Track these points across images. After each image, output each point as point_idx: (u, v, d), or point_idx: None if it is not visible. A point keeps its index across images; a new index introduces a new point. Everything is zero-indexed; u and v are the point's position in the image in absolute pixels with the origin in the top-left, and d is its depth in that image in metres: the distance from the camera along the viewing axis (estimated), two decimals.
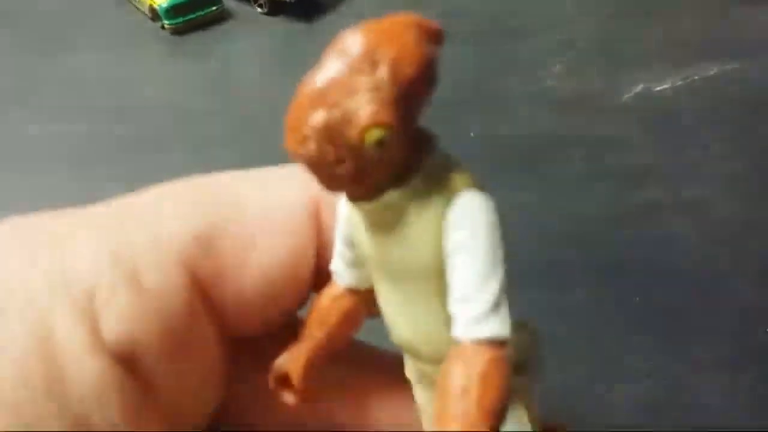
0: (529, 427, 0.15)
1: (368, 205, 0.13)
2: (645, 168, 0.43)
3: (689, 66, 0.51)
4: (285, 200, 0.18)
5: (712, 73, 0.50)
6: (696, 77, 0.50)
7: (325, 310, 0.16)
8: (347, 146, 0.11)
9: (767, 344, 0.32)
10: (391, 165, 0.12)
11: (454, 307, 0.12)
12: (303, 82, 0.12)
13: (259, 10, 0.63)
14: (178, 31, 0.61)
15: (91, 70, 0.57)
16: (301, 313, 0.18)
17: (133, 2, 0.65)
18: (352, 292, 0.16)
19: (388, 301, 0.15)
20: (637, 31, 0.57)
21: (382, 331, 0.15)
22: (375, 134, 0.11)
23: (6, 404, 0.13)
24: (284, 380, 0.17)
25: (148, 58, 0.60)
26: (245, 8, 0.64)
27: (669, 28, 0.56)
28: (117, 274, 0.15)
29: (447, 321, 0.13)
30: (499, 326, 0.12)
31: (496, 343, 0.12)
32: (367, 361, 0.20)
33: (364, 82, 0.11)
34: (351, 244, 0.15)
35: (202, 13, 0.62)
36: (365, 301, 0.16)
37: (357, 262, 0.16)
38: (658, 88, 0.49)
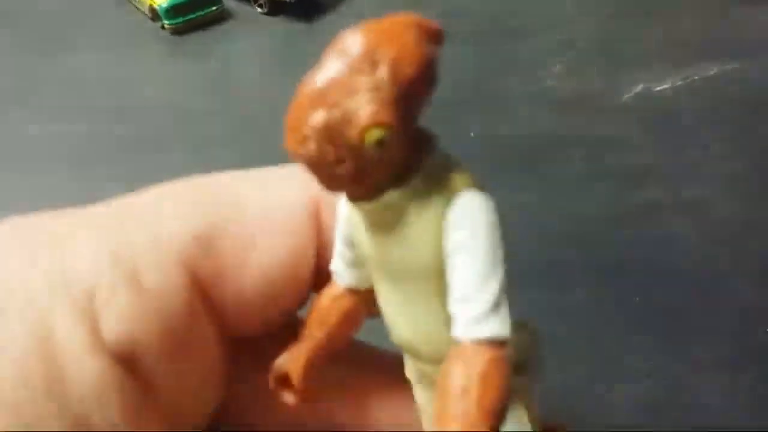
0: (529, 427, 0.15)
1: (368, 205, 0.13)
2: (645, 168, 0.43)
3: (689, 66, 0.51)
4: (285, 200, 0.18)
5: (712, 73, 0.50)
6: (696, 77, 0.50)
7: (325, 310, 0.16)
8: (347, 146, 0.11)
9: (767, 344, 0.32)
10: (391, 165, 0.12)
11: (454, 307, 0.12)
12: (303, 82, 0.12)
13: (259, 10, 0.63)
14: (178, 31, 0.61)
15: (91, 70, 0.57)
16: (301, 313, 0.18)
17: (133, 2, 0.65)
18: (352, 292, 0.16)
19: (388, 301, 0.15)
20: (637, 31, 0.57)
21: (382, 331, 0.15)
22: (375, 134, 0.11)
23: (6, 404, 0.13)
24: (284, 380, 0.17)
25: (148, 58, 0.60)
26: (245, 8, 0.64)
27: (669, 28, 0.56)
28: (117, 274, 0.15)
29: (447, 321, 0.13)
30: (499, 326, 0.12)
31: (496, 343, 0.12)
32: (366, 361, 0.20)
33: (364, 82, 0.11)
34: (351, 244, 0.15)
35: (202, 13, 0.62)
36: (365, 301, 0.16)
37: (357, 262, 0.16)
38: (658, 88, 0.49)
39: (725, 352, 0.32)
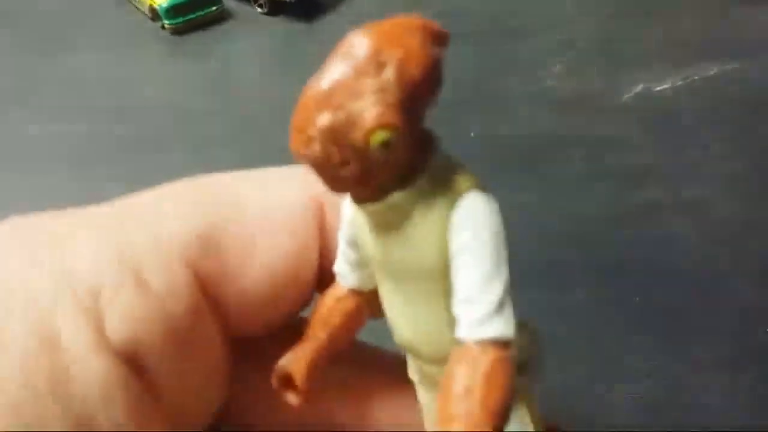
0: (531, 427, 0.15)
1: (373, 207, 0.13)
2: (645, 168, 0.43)
3: (689, 66, 0.51)
4: (286, 200, 0.18)
5: (712, 73, 0.50)
6: (696, 77, 0.50)
7: (329, 310, 0.17)
8: (352, 148, 0.12)
9: (767, 344, 0.32)
10: (396, 166, 0.12)
11: (459, 308, 0.12)
12: (308, 84, 0.12)
13: (259, 10, 0.63)
14: (178, 31, 0.61)
15: (91, 70, 0.57)
16: (304, 314, 0.18)
17: (133, 2, 0.65)
18: (356, 293, 0.16)
19: (391, 301, 0.15)
20: (637, 31, 0.57)
21: (385, 331, 0.15)
22: (380, 136, 0.11)
23: (10, 404, 0.13)
24: (287, 381, 0.17)
25: (148, 58, 0.60)
26: (245, 8, 0.64)
27: (669, 28, 0.56)
28: (120, 273, 0.15)
29: (450, 322, 0.13)
30: (503, 327, 0.12)
31: (501, 344, 0.12)
32: (369, 362, 0.20)
33: (369, 84, 0.11)
34: (355, 245, 0.15)
35: (202, 13, 0.61)
36: (369, 302, 0.16)
37: (361, 263, 0.16)
38: (658, 88, 0.49)
39: (725, 352, 0.32)
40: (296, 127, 0.12)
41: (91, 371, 0.14)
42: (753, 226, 0.38)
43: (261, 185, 0.18)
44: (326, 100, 0.11)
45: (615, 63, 0.53)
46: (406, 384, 0.17)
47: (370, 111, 0.11)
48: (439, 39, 0.12)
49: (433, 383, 0.15)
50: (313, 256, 0.18)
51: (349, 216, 0.15)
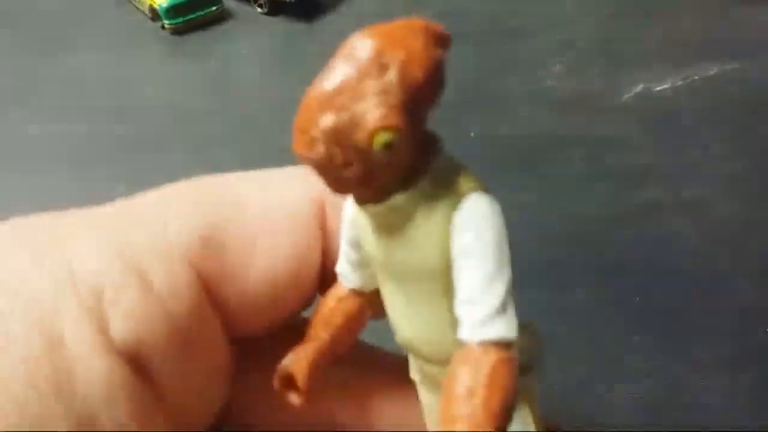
0: (533, 428, 0.15)
1: (375, 208, 0.13)
2: (645, 168, 0.43)
3: (689, 66, 0.51)
4: (287, 201, 0.18)
5: (712, 73, 0.50)
6: (696, 77, 0.50)
7: (331, 311, 0.17)
8: (355, 149, 0.12)
9: (767, 344, 0.32)
10: (399, 168, 0.12)
11: (461, 309, 0.12)
12: (311, 85, 0.12)
13: (259, 10, 0.63)
14: (178, 31, 0.61)
15: (91, 70, 0.57)
16: (306, 314, 0.18)
17: (133, 2, 0.65)
18: (358, 293, 0.16)
19: (393, 302, 0.15)
20: (637, 31, 0.57)
21: (386, 331, 0.15)
22: (383, 137, 0.11)
23: (13, 404, 0.13)
24: (289, 381, 0.17)
25: (148, 58, 0.60)
26: (245, 8, 0.64)
27: (669, 28, 0.56)
28: (123, 273, 0.15)
29: (452, 322, 0.13)
30: (505, 328, 0.12)
31: (503, 345, 0.12)
32: (370, 362, 0.20)
33: (372, 85, 0.11)
34: (357, 245, 0.15)
35: (202, 13, 0.61)
36: (371, 303, 0.16)
37: (362, 264, 0.16)
38: (658, 88, 0.49)
39: (725, 352, 0.32)
40: (299, 129, 0.12)
41: (93, 371, 0.14)
42: (753, 226, 0.38)
43: (263, 186, 0.18)
44: (329, 101, 0.11)
45: (615, 63, 0.53)
46: (408, 384, 0.17)
47: (372, 112, 0.11)
48: (441, 41, 0.12)
49: (434, 384, 0.15)
50: (315, 257, 0.18)
51: (350, 217, 0.15)
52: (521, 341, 0.13)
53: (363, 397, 0.19)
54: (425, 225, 0.13)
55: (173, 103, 0.53)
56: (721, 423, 0.29)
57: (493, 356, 0.12)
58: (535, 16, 0.60)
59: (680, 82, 0.50)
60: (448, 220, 0.12)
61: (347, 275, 0.16)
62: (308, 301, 0.19)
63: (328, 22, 0.61)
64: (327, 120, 0.11)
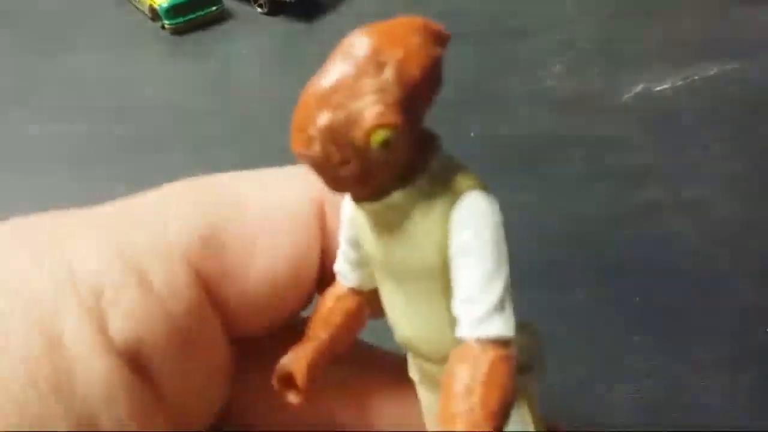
0: (532, 427, 0.15)
1: (373, 206, 0.13)
2: (645, 168, 0.43)
3: (689, 66, 0.51)
4: (287, 200, 0.18)
5: (712, 73, 0.50)
6: (696, 77, 0.50)
7: (329, 310, 0.17)
8: (353, 147, 0.12)
9: (767, 344, 0.32)
10: (397, 166, 0.12)
11: (459, 307, 0.12)
12: (309, 84, 0.12)
13: (259, 10, 0.63)
14: (178, 31, 0.61)
15: (91, 70, 0.57)
16: (305, 313, 0.18)
17: (133, 2, 0.65)
18: (356, 292, 0.16)
19: (392, 301, 0.15)
20: (637, 31, 0.57)
21: (385, 331, 0.15)
22: (380, 135, 0.11)
23: (13, 404, 0.13)
24: (288, 380, 0.17)
25: (148, 58, 0.60)
26: (245, 8, 0.64)
27: (669, 28, 0.56)
28: (123, 273, 0.15)
29: (451, 321, 0.13)
30: (503, 326, 0.12)
31: (501, 343, 0.12)
32: (369, 361, 0.20)
33: (369, 83, 0.11)
34: (355, 244, 0.15)
35: (202, 13, 0.62)
36: (369, 302, 0.16)
37: (361, 263, 0.16)
38: (658, 88, 0.49)
39: (725, 352, 0.32)
40: (296, 127, 0.12)
41: (93, 371, 0.14)
42: (753, 226, 0.38)
43: (262, 185, 0.18)
44: (326, 99, 0.11)
45: (615, 63, 0.53)
46: (407, 383, 0.17)
47: (370, 110, 0.11)
48: (439, 39, 0.12)
49: (433, 382, 0.15)
50: (314, 256, 0.18)
51: (349, 215, 0.15)
52: (520, 340, 0.13)
53: (362, 397, 0.19)
54: (423, 223, 0.13)
55: (173, 103, 0.53)
56: (721, 423, 0.29)
57: (491, 354, 0.12)
58: (535, 16, 0.60)
59: (680, 82, 0.50)
60: (446, 218, 0.12)
61: (346, 274, 0.16)
62: (307, 301, 0.19)
63: (328, 22, 0.61)
64: (324, 118, 0.11)
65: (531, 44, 0.56)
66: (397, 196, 0.13)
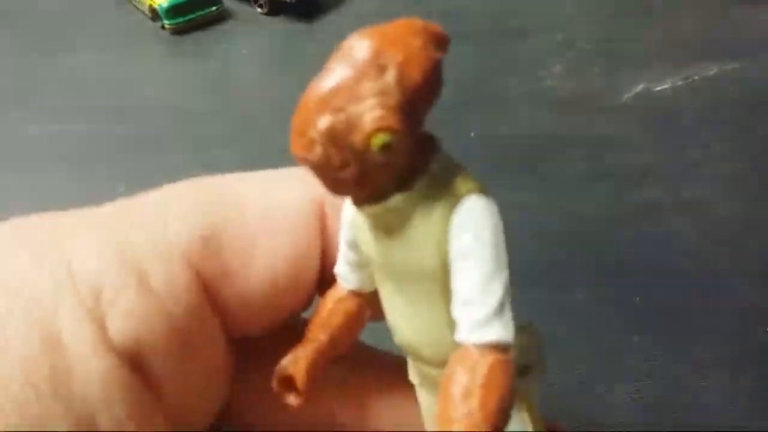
0: (531, 429, 0.15)
1: (373, 209, 0.13)
2: (645, 168, 0.43)
3: (689, 66, 0.51)
4: (288, 202, 0.18)
5: (712, 73, 0.50)
6: (696, 77, 0.50)
7: (329, 312, 0.17)
8: (353, 151, 0.12)
9: (767, 344, 0.32)
10: (396, 169, 0.12)
11: (458, 310, 0.12)
12: (309, 87, 0.12)
13: (259, 10, 0.63)
14: (178, 31, 0.61)
15: (91, 70, 0.57)
16: (305, 315, 0.18)
17: (133, 2, 0.65)
18: (356, 294, 0.16)
19: (391, 303, 0.15)
20: (637, 31, 0.57)
21: (385, 332, 0.15)
22: (380, 139, 0.11)
23: (12, 404, 0.13)
24: (288, 382, 0.17)
25: (148, 58, 0.60)
26: (245, 8, 0.64)
27: (669, 28, 0.56)
28: (123, 273, 0.15)
29: (450, 324, 0.13)
30: (502, 330, 0.12)
31: (500, 347, 0.12)
32: (369, 362, 0.20)
33: (370, 86, 0.11)
34: (355, 246, 0.15)
35: (202, 13, 0.62)
36: (369, 304, 0.16)
37: (361, 265, 0.16)
38: (658, 88, 0.49)
39: (725, 352, 0.32)
40: (296, 130, 0.12)
41: (92, 371, 0.14)
42: (753, 226, 0.38)
43: (262, 186, 0.18)
44: (327, 102, 0.11)
45: (615, 63, 0.53)
46: (407, 385, 0.17)
47: (370, 114, 0.11)
48: (439, 42, 0.12)
49: (433, 385, 0.15)
50: (315, 257, 0.18)
51: (349, 218, 0.15)
52: (520, 343, 0.13)
53: (362, 398, 0.19)
54: (423, 226, 0.13)
55: (173, 103, 0.53)
56: (721, 423, 0.29)
57: (490, 358, 0.12)
58: (535, 16, 0.60)
59: (680, 82, 0.50)
60: (446, 222, 0.12)
61: (346, 276, 0.16)
62: (307, 302, 0.19)
63: (328, 22, 0.61)
64: (324, 121, 0.11)
65: (531, 44, 0.56)
66: (396, 199, 0.13)
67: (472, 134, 0.47)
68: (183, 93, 0.54)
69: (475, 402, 0.11)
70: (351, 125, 0.11)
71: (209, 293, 0.17)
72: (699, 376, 0.31)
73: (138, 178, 0.45)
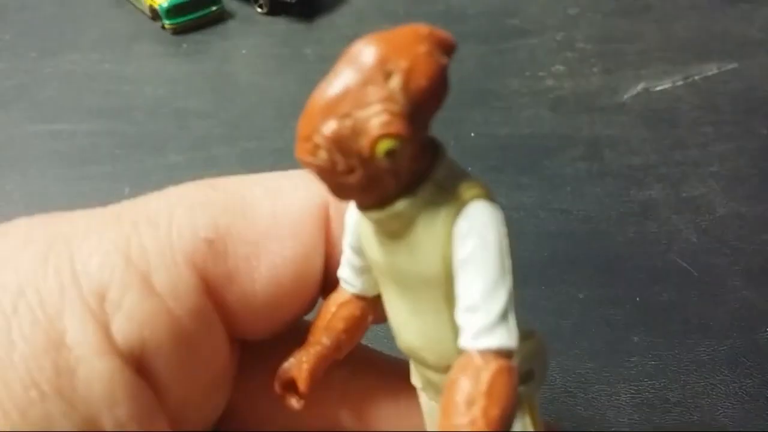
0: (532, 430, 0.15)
1: (377, 214, 0.13)
2: (645, 168, 0.43)
3: (689, 66, 0.51)
4: (294, 205, 0.18)
5: (712, 73, 0.50)
6: (696, 77, 0.50)
7: (332, 315, 0.17)
8: (358, 156, 0.12)
9: (767, 344, 0.32)
10: (401, 175, 0.12)
11: (462, 316, 0.12)
12: (314, 92, 0.12)
13: (259, 10, 0.63)
14: (178, 31, 0.61)
15: (91, 70, 0.57)
16: (308, 318, 0.18)
17: (133, 2, 0.65)
18: (359, 298, 0.16)
19: (395, 308, 0.15)
20: (637, 31, 0.57)
21: (386, 334, 0.15)
22: (386, 145, 0.11)
23: (15, 404, 0.13)
24: (290, 385, 0.17)
25: (148, 58, 0.60)
26: (245, 8, 0.64)
27: (669, 28, 0.56)
28: (127, 275, 0.15)
29: (454, 329, 0.13)
30: (506, 337, 0.12)
31: (504, 354, 0.12)
32: (371, 365, 0.20)
33: (376, 92, 0.11)
34: (359, 251, 0.15)
35: (202, 13, 0.62)
36: (372, 308, 0.16)
37: (364, 269, 0.16)
38: (658, 88, 0.50)
39: (725, 352, 0.32)
40: (302, 135, 0.12)
41: (95, 372, 0.14)
42: (753, 226, 0.38)
43: (267, 189, 0.18)
44: (332, 108, 0.11)
45: (615, 63, 0.53)
46: (409, 388, 0.17)
47: (376, 120, 0.11)
48: (445, 48, 0.12)
49: (436, 390, 0.15)
50: (319, 261, 0.18)
51: (353, 222, 0.15)
52: (523, 348, 0.13)
53: (364, 401, 0.19)
54: (427, 232, 0.13)
55: (173, 103, 0.53)
56: (721, 423, 0.29)
57: (493, 365, 0.12)
58: (535, 16, 0.60)
59: (680, 82, 0.50)
60: (450, 227, 0.12)
61: (349, 280, 0.16)
62: (311, 305, 0.19)
63: (328, 22, 0.61)
64: (330, 127, 0.11)
65: (531, 44, 0.56)
66: (401, 205, 0.13)
67: (472, 134, 0.47)
68: (183, 93, 0.54)
69: (478, 409, 0.11)
70: (356, 131, 0.11)
71: (213, 295, 0.17)
72: (699, 376, 0.31)
73: (138, 177, 0.45)
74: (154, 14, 0.62)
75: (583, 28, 0.58)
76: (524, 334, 0.12)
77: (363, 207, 0.13)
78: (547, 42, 0.56)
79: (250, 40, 0.60)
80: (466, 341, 0.12)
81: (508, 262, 0.12)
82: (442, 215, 0.13)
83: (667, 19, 0.58)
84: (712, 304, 0.34)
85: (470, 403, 0.11)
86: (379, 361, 0.20)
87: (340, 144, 0.11)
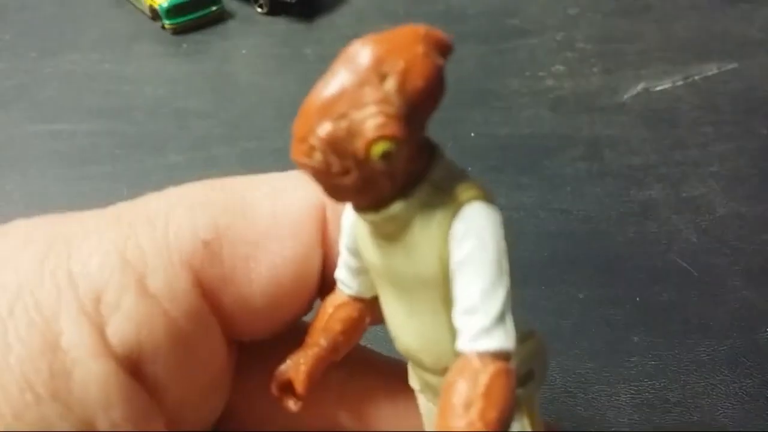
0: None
1: (373, 216, 0.13)
2: (645, 168, 0.43)
3: (689, 66, 0.51)
4: (292, 207, 0.18)
5: (712, 73, 0.50)
6: (696, 77, 0.50)
7: (329, 317, 0.17)
8: (353, 158, 0.11)
9: (767, 344, 0.32)
10: (397, 176, 0.12)
11: (460, 318, 0.12)
12: (310, 93, 0.12)
13: (259, 10, 0.63)
14: (178, 31, 0.61)
15: (91, 70, 0.57)
16: (305, 319, 0.18)
17: (133, 2, 0.65)
18: (357, 300, 0.16)
19: (392, 310, 0.15)
20: (637, 31, 0.57)
21: (385, 336, 0.15)
22: (381, 147, 0.11)
23: (11, 406, 0.13)
24: (287, 387, 0.17)
25: (148, 58, 0.60)
26: (245, 8, 0.64)
27: (669, 28, 0.56)
28: (124, 277, 0.15)
29: (451, 331, 0.13)
30: (504, 339, 0.12)
31: (502, 356, 0.12)
32: (369, 367, 0.20)
33: (371, 94, 0.11)
34: (356, 252, 0.15)
35: (202, 13, 0.62)
36: (369, 309, 0.16)
37: (361, 271, 0.16)
38: (658, 88, 0.49)
39: (725, 352, 0.32)
40: (297, 136, 0.12)
41: (91, 375, 0.14)
42: (753, 226, 0.38)
43: (265, 190, 0.18)
44: (328, 109, 0.11)
45: (615, 63, 0.53)
46: (407, 389, 0.17)
47: (371, 121, 0.11)
48: (442, 48, 0.12)
49: (434, 392, 0.15)
50: (316, 262, 0.18)
51: (350, 223, 0.15)
52: (523, 349, 0.12)
53: (362, 402, 0.19)
54: (423, 233, 0.13)
55: (173, 103, 0.53)
56: (721, 423, 0.29)
57: (491, 367, 0.12)
58: (535, 16, 0.60)
59: (680, 82, 0.50)
60: (446, 229, 0.12)
61: (346, 282, 0.16)
62: (308, 307, 0.19)
63: (328, 22, 0.61)
64: (325, 128, 0.11)
65: (531, 44, 0.56)
66: (397, 207, 0.13)
67: (472, 134, 0.47)
68: (183, 93, 0.54)
69: (475, 411, 0.11)
70: (352, 132, 0.11)
71: (210, 297, 0.16)
72: (699, 376, 0.31)
73: (138, 178, 0.45)
74: (154, 14, 0.62)
75: (583, 28, 0.58)
76: (524, 335, 0.12)
77: (359, 208, 0.13)
78: (547, 42, 0.56)
79: (250, 40, 0.60)
80: (463, 344, 0.12)
81: (505, 264, 0.12)
82: (438, 217, 0.12)
83: (667, 19, 0.57)
84: (712, 304, 0.34)
85: (468, 405, 0.11)
86: (378, 362, 0.20)
87: (335, 145, 0.11)
